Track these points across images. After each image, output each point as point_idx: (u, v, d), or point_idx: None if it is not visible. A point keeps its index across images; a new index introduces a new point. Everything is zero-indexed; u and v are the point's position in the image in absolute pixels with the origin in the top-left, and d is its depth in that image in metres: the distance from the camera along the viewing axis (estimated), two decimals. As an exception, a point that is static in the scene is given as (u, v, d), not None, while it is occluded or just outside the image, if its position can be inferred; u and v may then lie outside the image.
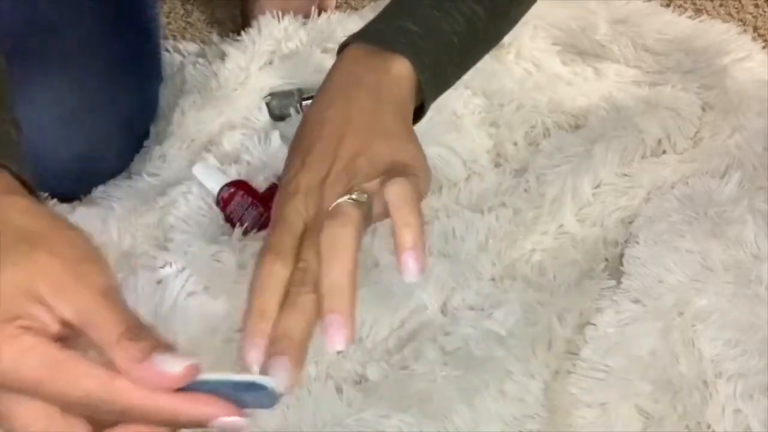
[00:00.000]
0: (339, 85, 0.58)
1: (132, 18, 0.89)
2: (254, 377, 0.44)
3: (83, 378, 0.39)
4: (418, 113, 0.61)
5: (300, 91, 0.94)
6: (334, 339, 0.47)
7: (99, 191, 0.86)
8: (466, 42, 0.63)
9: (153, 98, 0.92)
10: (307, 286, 0.48)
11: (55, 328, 0.40)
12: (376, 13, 0.63)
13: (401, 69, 0.58)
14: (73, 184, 0.84)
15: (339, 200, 0.50)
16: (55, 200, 0.83)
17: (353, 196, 0.51)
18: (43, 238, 0.42)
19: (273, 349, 0.46)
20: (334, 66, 0.60)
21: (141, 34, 0.91)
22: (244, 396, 0.42)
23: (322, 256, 0.48)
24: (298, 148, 0.56)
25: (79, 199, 0.86)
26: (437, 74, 0.61)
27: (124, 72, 0.86)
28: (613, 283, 0.78)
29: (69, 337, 0.41)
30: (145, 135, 0.91)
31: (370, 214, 0.51)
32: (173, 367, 0.39)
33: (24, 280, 0.40)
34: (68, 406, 0.40)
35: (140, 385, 0.39)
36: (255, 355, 0.46)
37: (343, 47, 0.61)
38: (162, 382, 0.39)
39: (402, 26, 0.60)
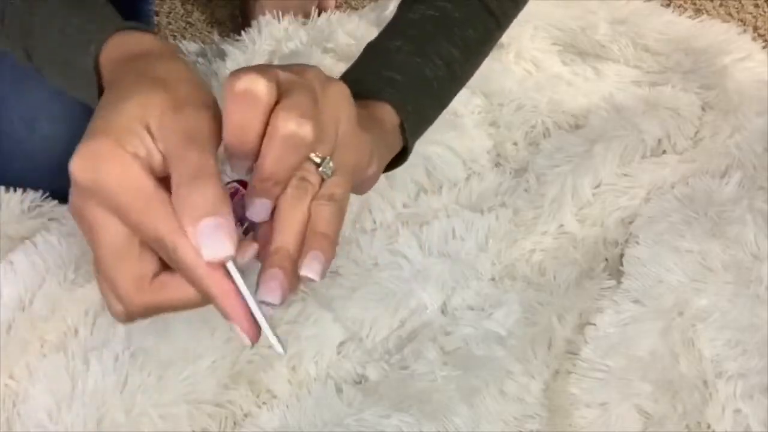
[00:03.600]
0: None
1: (124, 13, 0.89)
2: (267, 330, 0.46)
3: (161, 221, 0.43)
4: (400, 155, 0.62)
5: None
6: (275, 292, 0.46)
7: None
8: (446, 85, 0.65)
9: None
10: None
11: (158, 160, 0.44)
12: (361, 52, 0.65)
13: (383, 112, 0.60)
14: (67, 182, 0.84)
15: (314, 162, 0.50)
16: (55, 202, 0.83)
17: (326, 170, 0.50)
18: (166, 83, 0.46)
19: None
20: None
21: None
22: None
23: (279, 221, 0.48)
24: None
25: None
26: (420, 118, 0.63)
27: None
28: (613, 283, 0.78)
29: (166, 186, 0.44)
30: None
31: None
32: (208, 246, 0.42)
33: (140, 111, 0.44)
34: (143, 239, 0.44)
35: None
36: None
37: None
38: (201, 251, 0.43)
39: (386, 76, 0.61)
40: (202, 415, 0.69)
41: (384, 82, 0.61)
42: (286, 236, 0.48)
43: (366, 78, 0.62)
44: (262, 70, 0.47)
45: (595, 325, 0.74)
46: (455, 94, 0.68)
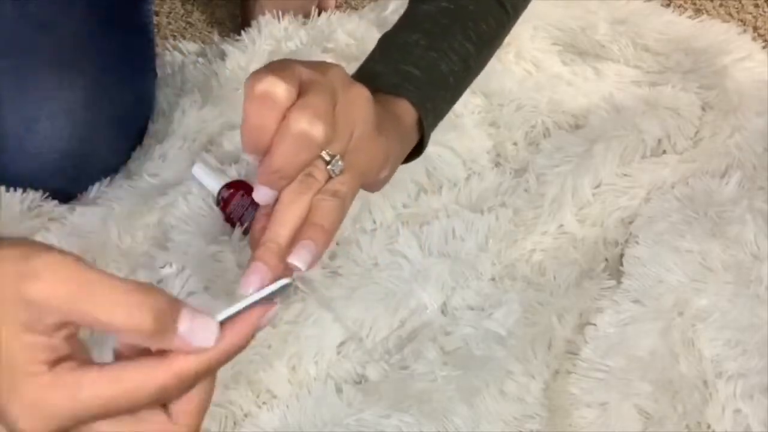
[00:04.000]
0: None
1: (124, 13, 0.89)
2: (277, 285, 0.46)
3: (152, 377, 0.40)
4: (418, 147, 0.63)
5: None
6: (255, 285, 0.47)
7: (99, 191, 0.86)
8: (461, 79, 0.65)
9: (147, 94, 0.92)
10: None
11: (66, 348, 0.40)
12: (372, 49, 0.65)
13: (402, 108, 0.60)
14: (66, 181, 0.84)
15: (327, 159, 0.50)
16: (55, 202, 0.83)
17: (334, 168, 0.51)
18: (33, 272, 0.39)
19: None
20: None
21: (133, 29, 0.91)
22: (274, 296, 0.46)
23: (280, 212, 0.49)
24: None
25: (75, 196, 0.85)
26: (436, 114, 0.64)
27: (116, 67, 0.86)
28: (613, 283, 0.78)
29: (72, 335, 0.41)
30: (142, 131, 0.91)
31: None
32: (204, 337, 0.41)
33: (21, 326, 0.39)
34: (142, 407, 0.41)
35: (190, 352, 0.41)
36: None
37: None
38: (202, 347, 0.41)
39: (404, 71, 0.62)
40: (202, 415, 0.69)
41: (402, 77, 0.61)
42: (280, 228, 0.49)
43: (384, 72, 0.62)
44: (284, 69, 0.48)
45: (595, 325, 0.74)
46: (467, 88, 0.68)
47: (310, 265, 0.48)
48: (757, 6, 1.08)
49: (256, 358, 0.72)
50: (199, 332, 0.41)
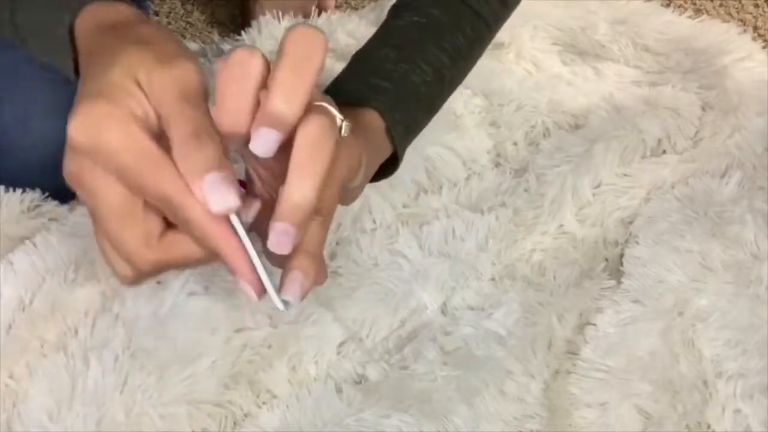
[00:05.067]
0: None
1: None
2: (269, 285, 0.46)
3: (166, 181, 0.42)
4: (393, 161, 0.62)
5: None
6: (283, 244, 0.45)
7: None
8: (434, 91, 0.64)
9: None
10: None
11: (153, 118, 0.44)
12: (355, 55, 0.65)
13: (370, 119, 0.59)
14: (63, 180, 0.84)
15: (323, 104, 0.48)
16: (56, 202, 0.83)
17: (339, 122, 0.49)
18: (150, 41, 0.46)
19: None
20: None
21: None
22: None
23: (296, 164, 0.46)
24: None
25: (74, 196, 0.85)
26: (408, 125, 0.62)
27: None
28: (613, 283, 0.78)
29: (163, 145, 0.43)
30: None
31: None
32: (215, 198, 0.42)
33: (129, 69, 0.43)
34: (147, 199, 0.44)
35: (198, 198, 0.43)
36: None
37: None
38: (208, 204, 0.43)
39: (373, 83, 0.61)
40: (202, 415, 0.69)
41: (371, 89, 0.61)
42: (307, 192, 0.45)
43: (353, 86, 0.61)
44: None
45: (595, 325, 0.74)
46: (446, 99, 0.67)
47: (303, 297, 0.47)
48: (757, 6, 1.08)
49: (256, 358, 0.72)
50: (218, 194, 0.42)
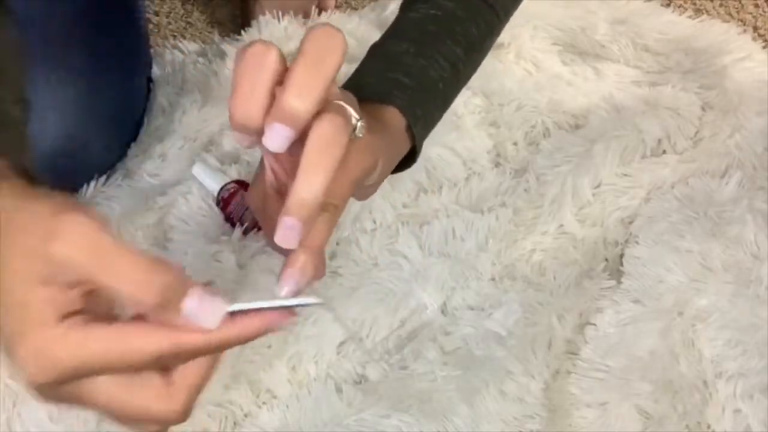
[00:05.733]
0: None
1: (115, 9, 0.89)
2: (301, 300, 0.45)
3: (153, 341, 0.41)
4: (410, 155, 0.62)
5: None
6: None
7: (99, 191, 0.86)
8: (450, 85, 0.64)
9: (139, 90, 0.92)
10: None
11: (78, 303, 0.41)
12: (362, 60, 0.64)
13: (391, 116, 0.59)
14: (60, 179, 0.83)
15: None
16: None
17: (353, 121, 0.48)
18: (59, 231, 0.41)
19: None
20: None
21: (124, 25, 0.90)
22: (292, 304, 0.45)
23: (307, 160, 0.44)
24: None
25: (71, 195, 0.85)
26: (427, 120, 0.62)
27: (106, 64, 0.86)
28: (613, 283, 0.78)
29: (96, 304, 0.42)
30: (136, 128, 0.91)
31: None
32: (208, 319, 0.42)
33: (23, 279, 0.41)
34: (140, 369, 0.42)
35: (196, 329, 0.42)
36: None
37: None
38: (206, 327, 0.42)
39: (392, 79, 0.61)
40: (202, 415, 0.69)
41: (390, 84, 0.61)
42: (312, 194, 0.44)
43: (372, 81, 0.61)
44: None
45: (595, 325, 0.74)
46: (459, 92, 0.68)
47: (299, 292, 0.46)
48: (757, 6, 1.08)
49: (256, 358, 0.72)
50: (204, 313, 0.42)
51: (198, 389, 0.44)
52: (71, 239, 0.40)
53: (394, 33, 0.66)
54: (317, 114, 0.45)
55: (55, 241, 0.40)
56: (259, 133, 0.45)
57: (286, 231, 0.44)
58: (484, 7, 0.66)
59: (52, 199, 0.41)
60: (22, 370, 0.41)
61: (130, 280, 0.40)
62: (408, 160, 0.63)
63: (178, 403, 0.44)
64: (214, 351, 0.44)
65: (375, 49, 0.65)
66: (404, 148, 0.61)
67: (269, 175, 0.50)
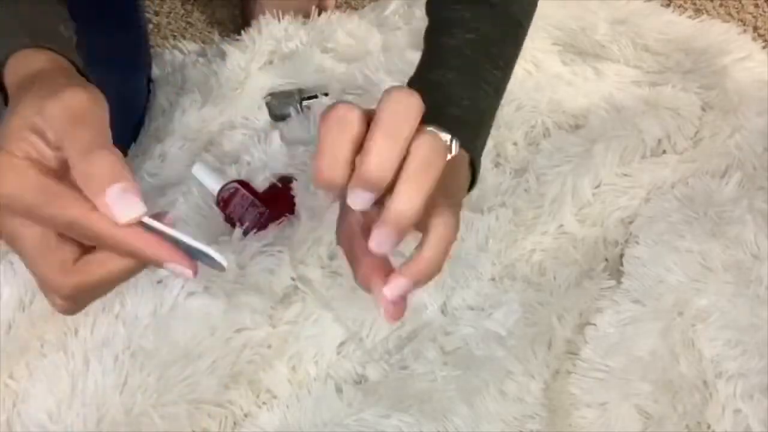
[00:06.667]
0: None
1: (113, 7, 0.89)
2: (206, 248, 0.48)
3: (68, 207, 0.45)
4: (471, 184, 0.63)
5: (300, 91, 0.94)
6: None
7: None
8: (495, 108, 0.68)
9: (139, 90, 0.92)
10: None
11: (50, 155, 0.46)
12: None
13: (458, 155, 0.59)
14: None
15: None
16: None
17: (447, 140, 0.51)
18: (50, 84, 0.49)
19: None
20: None
21: (123, 24, 0.90)
22: (199, 257, 0.48)
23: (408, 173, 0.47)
24: None
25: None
26: (482, 148, 0.65)
27: (104, 62, 0.85)
28: (613, 283, 0.78)
29: (66, 174, 0.46)
30: (135, 127, 0.91)
31: None
32: (119, 210, 0.45)
33: (23, 118, 0.46)
34: (59, 230, 0.46)
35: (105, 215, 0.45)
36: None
37: None
38: (114, 217, 0.45)
39: (450, 115, 0.62)
40: (202, 415, 0.69)
41: (450, 121, 0.61)
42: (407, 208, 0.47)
43: (430, 117, 0.62)
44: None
45: (595, 325, 0.74)
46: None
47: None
48: (757, 6, 1.08)
49: (256, 358, 0.72)
50: (119, 206, 0.45)
51: (96, 284, 0.48)
52: (61, 105, 0.46)
53: (435, 61, 0.66)
54: (415, 136, 0.48)
55: (51, 99, 0.46)
56: (344, 188, 0.47)
57: (381, 238, 0.47)
58: (513, 23, 0.68)
59: (74, 77, 0.51)
60: None
61: (86, 153, 0.45)
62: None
63: (71, 282, 0.47)
64: (114, 247, 0.46)
65: (421, 80, 0.65)
66: (467, 180, 0.62)
67: (357, 215, 0.52)
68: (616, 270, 0.80)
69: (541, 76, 0.96)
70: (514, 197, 0.85)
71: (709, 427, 0.68)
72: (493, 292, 0.78)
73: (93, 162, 0.45)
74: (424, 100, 0.63)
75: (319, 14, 1.04)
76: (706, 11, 1.05)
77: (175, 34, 1.07)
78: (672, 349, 0.72)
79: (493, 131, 0.91)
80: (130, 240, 0.46)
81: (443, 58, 0.66)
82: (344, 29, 0.99)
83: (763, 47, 1.00)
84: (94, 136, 0.46)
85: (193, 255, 0.48)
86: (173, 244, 0.47)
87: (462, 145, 0.60)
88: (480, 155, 0.64)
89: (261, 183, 0.85)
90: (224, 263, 0.48)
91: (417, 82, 0.66)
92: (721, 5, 1.07)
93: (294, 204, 0.82)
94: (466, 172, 0.61)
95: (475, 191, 0.86)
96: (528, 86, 0.94)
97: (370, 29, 1.00)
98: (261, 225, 0.81)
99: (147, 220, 0.46)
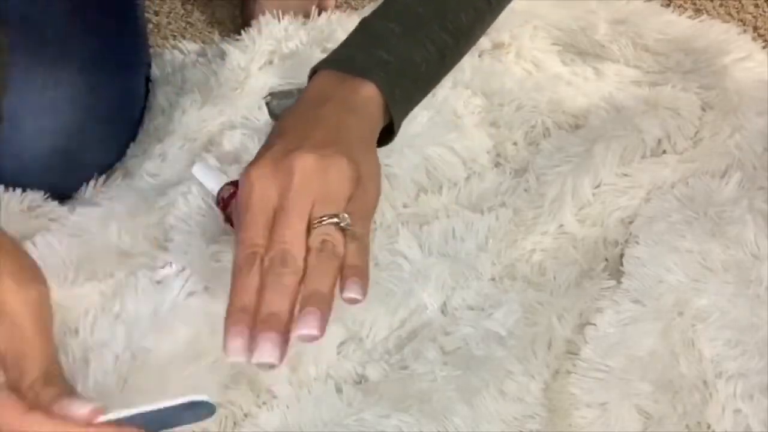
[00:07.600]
0: (309, 103, 0.63)
1: (113, 8, 0.89)
2: (190, 397, 0.49)
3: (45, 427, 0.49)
4: (387, 133, 0.65)
5: (300, 91, 0.93)
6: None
7: (98, 191, 0.86)
8: (434, 70, 0.67)
9: (137, 88, 0.92)
10: (290, 268, 0.54)
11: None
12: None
13: (370, 91, 0.62)
14: (57, 179, 0.83)
15: (328, 222, 0.55)
16: (56, 202, 0.83)
17: (341, 223, 0.56)
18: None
19: (261, 327, 0.53)
20: (306, 88, 0.65)
21: (122, 23, 0.90)
22: (185, 414, 0.50)
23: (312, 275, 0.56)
24: (267, 148, 0.62)
25: (69, 195, 0.85)
26: (406, 101, 0.66)
27: (103, 63, 0.86)
28: (613, 283, 0.78)
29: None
30: (134, 127, 0.91)
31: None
32: (79, 409, 0.50)
33: None
34: None
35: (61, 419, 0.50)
36: (239, 344, 0.53)
37: (313, 72, 0.66)
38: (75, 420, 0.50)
39: (376, 55, 0.63)
40: (202, 415, 0.69)
41: (374, 62, 0.63)
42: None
43: (357, 56, 0.64)
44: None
45: (595, 325, 0.74)
46: (443, 77, 0.70)
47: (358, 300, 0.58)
48: (757, 6, 1.08)
49: (256, 358, 0.72)
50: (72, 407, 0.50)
51: None
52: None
53: (384, 12, 0.67)
54: (306, 255, 0.56)
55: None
56: None
57: (308, 317, 0.54)
58: None
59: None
60: None
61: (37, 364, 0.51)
62: (386, 136, 0.65)
63: None
64: None
65: (364, 25, 0.67)
66: (378, 124, 0.64)
67: None
68: (616, 270, 0.80)
69: (541, 76, 0.96)
70: (514, 197, 0.85)
71: (709, 427, 0.68)
72: (493, 292, 0.78)
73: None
74: (359, 40, 0.67)
75: (319, 14, 1.04)
76: (706, 11, 1.05)
77: (175, 34, 1.07)
78: (672, 349, 0.72)
79: (493, 131, 0.91)
80: None
81: (393, 10, 0.67)
82: (344, 29, 0.99)
83: (763, 47, 1.00)
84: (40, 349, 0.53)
85: (170, 419, 0.50)
86: (138, 426, 0.49)
87: (381, 87, 0.62)
88: (401, 108, 0.65)
89: (261, 183, 0.84)
90: (213, 402, 0.51)
91: (360, 25, 0.67)
92: (721, 5, 1.07)
93: (294, 204, 0.81)
94: (380, 114, 0.63)
95: (475, 191, 0.86)
96: (528, 86, 0.94)
97: (370, 29, 1.00)
98: (261, 225, 0.81)
99: (111, 416, 0.49)
